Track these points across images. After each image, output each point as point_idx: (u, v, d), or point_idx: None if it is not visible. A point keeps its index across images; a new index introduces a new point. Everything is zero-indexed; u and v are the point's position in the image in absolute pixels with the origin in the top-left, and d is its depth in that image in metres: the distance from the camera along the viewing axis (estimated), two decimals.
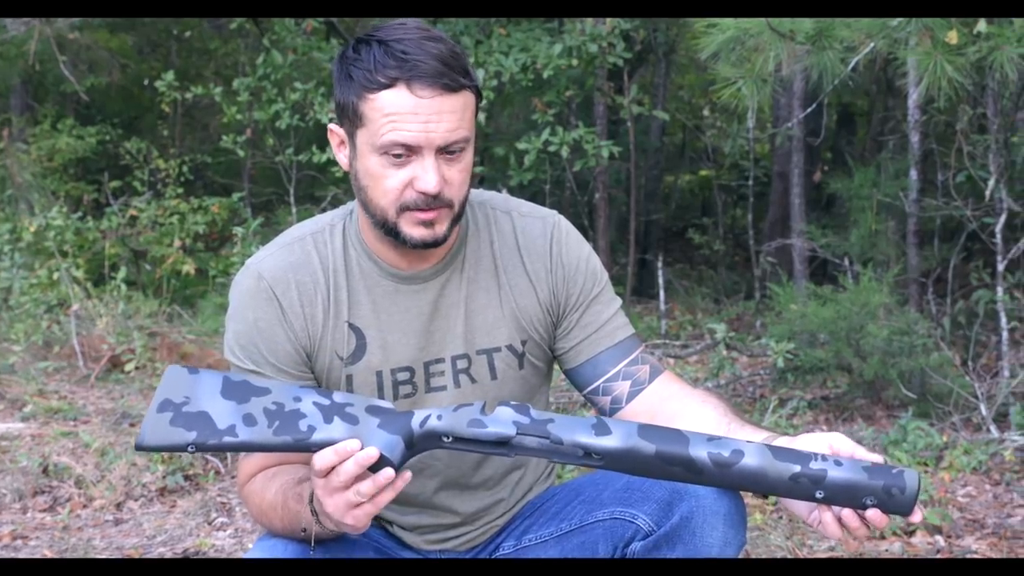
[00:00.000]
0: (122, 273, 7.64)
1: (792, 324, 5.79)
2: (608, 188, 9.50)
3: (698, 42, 4.33)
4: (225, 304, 7.77)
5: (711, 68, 4.52)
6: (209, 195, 9.80)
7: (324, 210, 8.98)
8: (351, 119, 1.85)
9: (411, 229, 1.85)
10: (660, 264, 8.76)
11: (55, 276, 7.59)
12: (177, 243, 8.69)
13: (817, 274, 9.21)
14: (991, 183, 6.02)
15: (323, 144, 8.32)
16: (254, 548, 1.87)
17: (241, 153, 9.44)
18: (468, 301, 2.00)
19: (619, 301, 2.10)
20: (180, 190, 9.72)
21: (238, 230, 8.16)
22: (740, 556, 1.83)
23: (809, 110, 7.98)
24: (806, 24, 4.06)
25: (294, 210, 9.18)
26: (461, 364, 2.01)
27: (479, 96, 1.89)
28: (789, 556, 3.47)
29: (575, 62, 7.83)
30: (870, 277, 5.84)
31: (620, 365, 2.00)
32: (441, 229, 1.86)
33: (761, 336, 7.09)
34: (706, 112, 14.11)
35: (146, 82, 12.74)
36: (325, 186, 10.04)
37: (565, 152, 7.87)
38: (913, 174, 7.11)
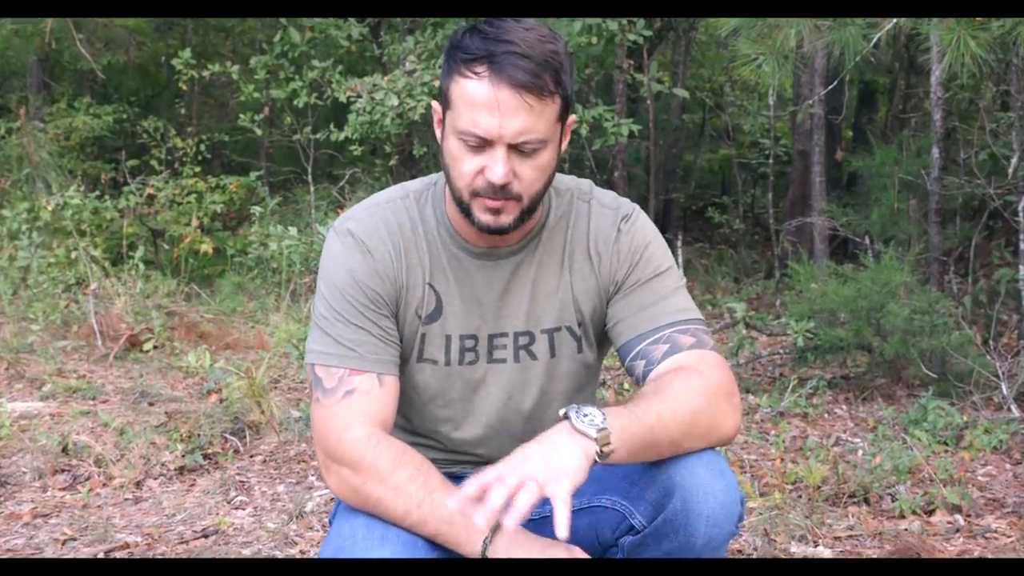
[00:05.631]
0: (140, 252, 7.66)
1: (812, 303, 5.76)
2: (627, 166, 9.47)
3: (718, 19, 4.29)
4: (243, 283, 7.69)
5: (732, 45, 4.48)
6: (226, 174, 9.78)
7: (343, 189, 9.03)
8: (443, 100, 1.95)
9: (480, 213, 1.94)
10: (680, 243, 8.74)
11: (73, 255, 7.61)
12: (195, 222, 8.69)
13: (838, 253, 9.16)
14: (1014, 161, 5.98)
15: (340, 123, 8.30)
16: (377, 543, 1.87)
17: (258, 132, 9.45)
18: (536, 283, 2.10)
19: (675, 286, 2.09)
20: (197, 169, 9.73)
21: (256, 209, 8.15)
22: (732, 548, 1.80)
23: (831, 88, 7.93)
24: None
25: (312, 189, 9.18)
26: (523, 340, 2.11)
27: (567, 104, 1.94)
28: (807, 535, 3.45)
29: (595, 40, 7.78)
30: (891, 256, 5.80)
31: (642, 344, 2.03)
32: (507, 219, 1.94)
33: (781, 315, 7.05)
34: (727, 90, 14.04)
35: (163, 60, 12.73)
36: (343, 165, 10.04)
37: (584, 130, 7.84)
38: (935, 152, 7.05)
